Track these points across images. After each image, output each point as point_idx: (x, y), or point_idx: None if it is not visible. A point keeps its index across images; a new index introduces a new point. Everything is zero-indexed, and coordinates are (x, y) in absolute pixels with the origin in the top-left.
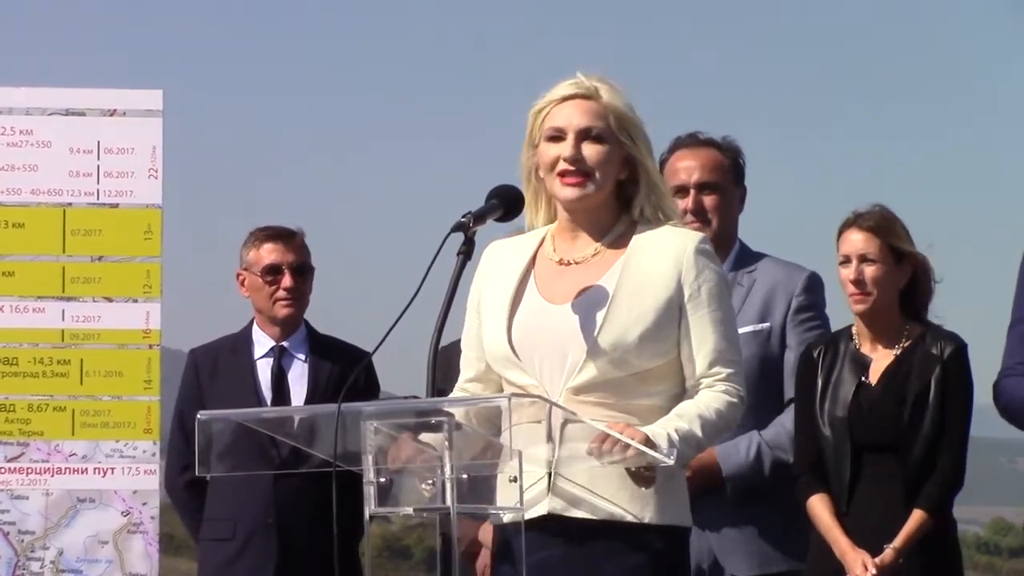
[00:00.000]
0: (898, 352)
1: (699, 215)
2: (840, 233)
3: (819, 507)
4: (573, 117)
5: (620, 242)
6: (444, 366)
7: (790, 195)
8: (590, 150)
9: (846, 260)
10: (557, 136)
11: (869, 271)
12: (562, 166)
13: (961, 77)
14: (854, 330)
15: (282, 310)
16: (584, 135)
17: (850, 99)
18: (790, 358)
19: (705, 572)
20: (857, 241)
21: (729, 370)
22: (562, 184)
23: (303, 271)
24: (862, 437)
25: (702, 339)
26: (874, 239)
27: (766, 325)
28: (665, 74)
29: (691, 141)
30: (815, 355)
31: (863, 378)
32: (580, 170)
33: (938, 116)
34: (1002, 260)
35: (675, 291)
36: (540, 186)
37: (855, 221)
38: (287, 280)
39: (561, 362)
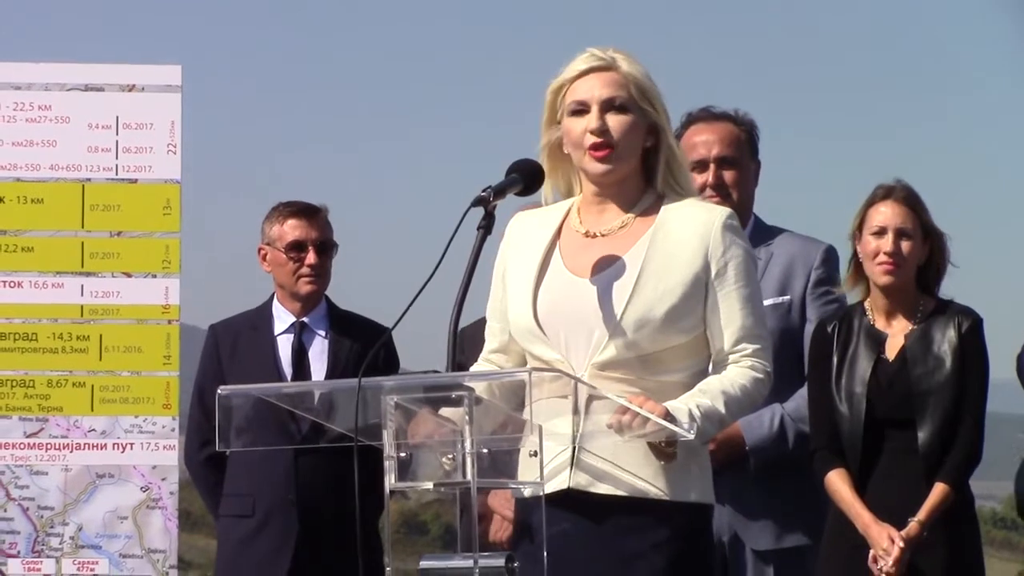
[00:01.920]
0: (914, 327)
1: (719, 190)
2: (870, 204)
3: (838, 482)
4: (595, 89)
5: (647, 215)
6: (470, 344)
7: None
8: (614, 120)
9: (881, 232)
10: (581, 110)
11: (906, 245)
12: (590, 139)
13: (964, 62)
14: (867, 305)
15: (305, 287)
16: (607, 106)
17: (846, 78)
18: (810, 331)
19: (725, 546)
20: (894, 215)
21: (756, 346)
22: (591, 157)
23: (326, 248)
24: (881, 412)
25: (729, 316)
26: (911, 213)
27: (786, 298)
28: (663, 58)
29: (707, 115)
30: (829, 330)
31: (880, 353)
32: (607, 142)
33: (931, 99)
34: (1015, 238)
35: (702, 267)
36: (560, 162)
37: (889, 194)
38: (311, 257)
39: (586, 338)
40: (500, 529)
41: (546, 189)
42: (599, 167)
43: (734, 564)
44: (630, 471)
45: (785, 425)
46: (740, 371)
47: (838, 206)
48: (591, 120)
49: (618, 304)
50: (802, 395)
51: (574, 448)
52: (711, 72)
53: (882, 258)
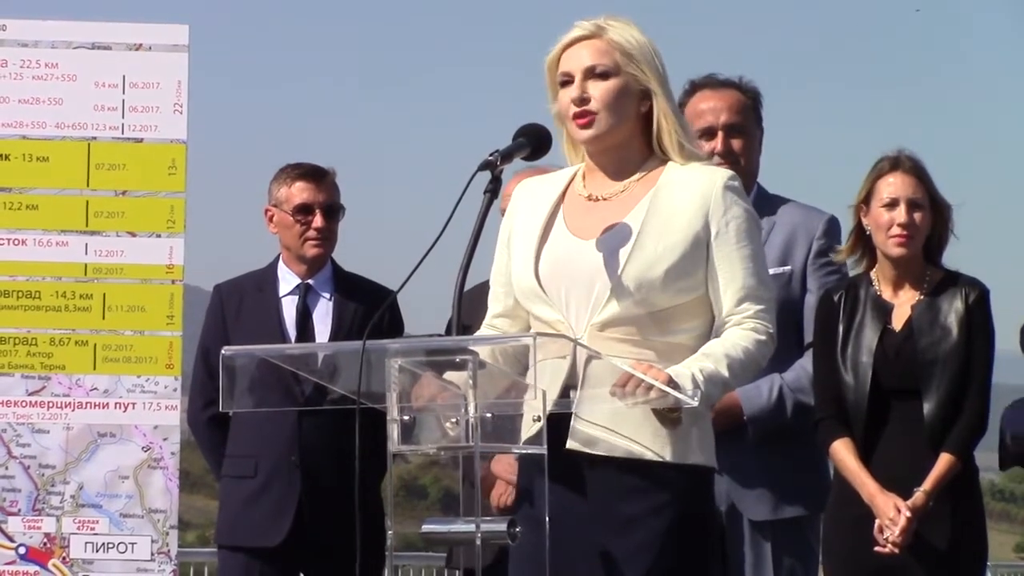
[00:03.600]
0: (921, 297)
1: (728, 157)
2: (878, 176)
3: (844, 451)
4: (578, 59)
5: (649, 179)
6: (477, 304)
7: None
8: (596, 88)
9: (892, 203)
10: (567, 80)
11: (918, 216)
12: (572, 109)
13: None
14: (873, 275)
15: (311, 250)
16: (589, 74)
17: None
18: (811, 301)
19: (723, 516)
20: (905, 185)
21: (758, 307)
22: (575, 127)
23: (333, 211)
24: (887, 382)
25: (730, 276)
26: (920, 184)
27: (787, 268)
28: (659, 25)
29: (712, 82)
30: (835, 299)
31: (887, 324)
32: (587, 110)
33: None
34: (1021, 210)
35: (702, 228)
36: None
37: (896, 165)
38: (318, 220)
39: (587, 297)
40: (504, 494)
41: (568, 155)
42: (582, 134)
43: (732, 534)
44: (628, 433)
45: (784, 395)
46: (742, 333)
47: (830, 175)
48: (573, 90)
49: (618, 263)
50: (802, 365)
51: (571, 411)
52: (709, 40)
53: (896, 230)
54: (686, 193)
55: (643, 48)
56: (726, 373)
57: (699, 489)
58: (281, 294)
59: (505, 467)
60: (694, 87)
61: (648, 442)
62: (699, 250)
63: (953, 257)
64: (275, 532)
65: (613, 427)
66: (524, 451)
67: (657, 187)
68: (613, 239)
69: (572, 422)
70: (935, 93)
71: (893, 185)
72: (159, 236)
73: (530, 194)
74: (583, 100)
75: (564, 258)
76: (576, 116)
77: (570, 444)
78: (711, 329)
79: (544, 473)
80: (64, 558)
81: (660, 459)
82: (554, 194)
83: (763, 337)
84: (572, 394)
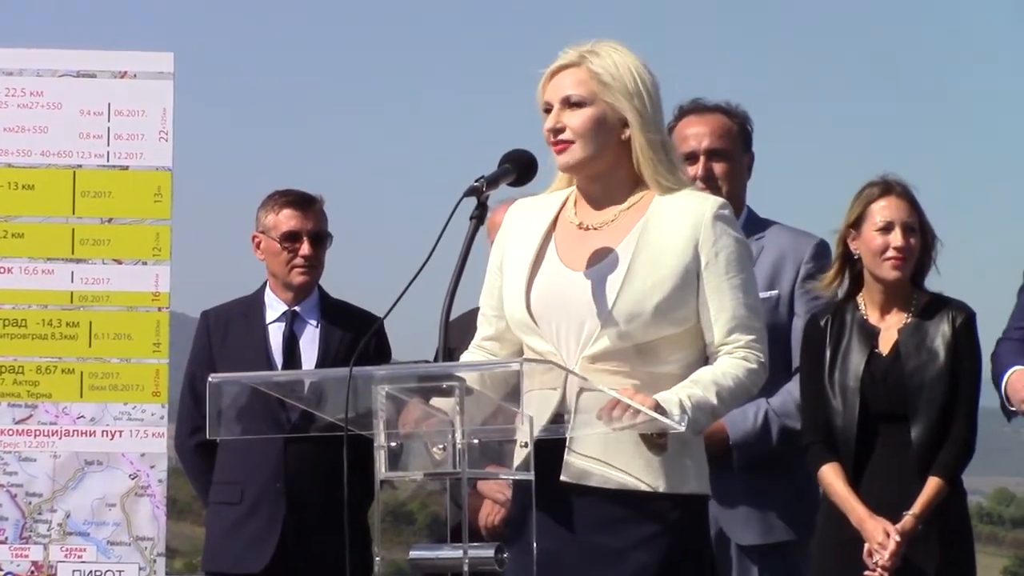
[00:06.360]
0: (908, 321)
1: (709, 182)
2: (870, 201)
3: (832, 476)
4: (556, 88)
5: (639, 207)
6: (464, 332)
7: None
8: (570, 116)
9: (887, 227)
10: (547, 109)
11: (913, 240)
12: (549, 137)
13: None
14: (859, 299)
15: (298, 277)
16: (565, 103)
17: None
18: (798, 326)
19: (711, 541)
20: (899, 209)
21: (749, 336)
22: (554, 154)
23: (321, 239)
24: (874, 407)
25: (720, 306)
26: (913, 209)
27: (774, 293)
28: (655, 48)
29: (698, 107)
30: (822, 324)
31: (873, 348)
32: (562, 138)
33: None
34: (1006, 233)
35: (692, 258)
36: None
37: (889, 189)
38: (305, 248)
39: (578, 330)
40: (492, 513)
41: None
42: (559, 162)
43: (720, 559)
44: (620, 464)
45: (769, 420)
46: (732, 362)
47: (819, 198)
48: (550, 119)
49: (609, 296)
50: (788, 390)
51: (565, 441)
52: (705, 63)
53: (892, 253)
54: (676, 222)
55: (625, 77)
56: (714, 400)
57: (692, 519)
58: (268, 321)
59: (493, 486)
60: (682, 112)
61: (640, 473)
62: (690, 281)
63: (946, 276)
64: (257, 558)
65: (606, 459)
66: (512, 478)
67: (647, 216)
68: (604, 270)
69: (565, 455)
70: (932, 106)
71: (887, 209)
72: (145, 264)
73: (523, 218)
74: (557, 130)
75: (555, 290)
76: (553, 144)
77: (563, 475)
78: (702, 358)
79: (533, 502)
80: None
81: (653, 490)
82: (546, 220)
83: (754, 366)
84: (565, 418)
